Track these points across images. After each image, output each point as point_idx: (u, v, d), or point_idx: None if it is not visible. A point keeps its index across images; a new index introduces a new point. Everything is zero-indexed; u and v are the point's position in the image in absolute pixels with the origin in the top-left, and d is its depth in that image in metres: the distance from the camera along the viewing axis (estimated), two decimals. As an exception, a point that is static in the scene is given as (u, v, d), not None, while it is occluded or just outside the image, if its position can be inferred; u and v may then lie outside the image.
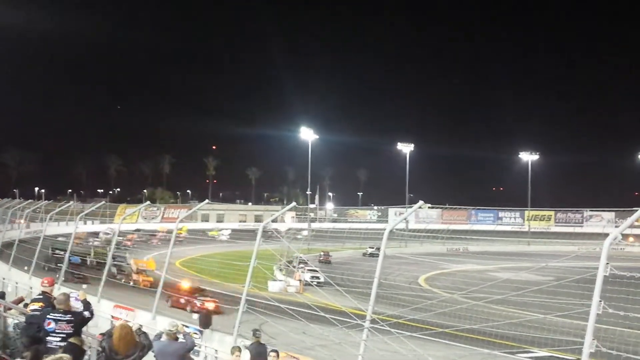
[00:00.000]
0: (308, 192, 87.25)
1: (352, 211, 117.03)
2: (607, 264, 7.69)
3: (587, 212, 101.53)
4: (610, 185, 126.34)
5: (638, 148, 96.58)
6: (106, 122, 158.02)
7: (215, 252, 45.45)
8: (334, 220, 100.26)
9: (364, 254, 49.55)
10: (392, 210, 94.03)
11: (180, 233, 50.70)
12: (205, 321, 15.05)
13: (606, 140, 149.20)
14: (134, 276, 34.37)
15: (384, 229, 11.22)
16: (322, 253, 47.26)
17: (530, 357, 14.95)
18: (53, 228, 42.97)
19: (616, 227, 8.40)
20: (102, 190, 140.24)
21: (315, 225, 72.34)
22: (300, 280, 34.24)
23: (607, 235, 7.98)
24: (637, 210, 8.48)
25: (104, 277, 21.00)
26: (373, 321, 10.91)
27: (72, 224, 29.20)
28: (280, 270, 36.77)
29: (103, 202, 46.34)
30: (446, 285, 32.85)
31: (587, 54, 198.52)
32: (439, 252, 53.74)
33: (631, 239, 57.70)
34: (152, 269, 35.46)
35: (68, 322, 8.43)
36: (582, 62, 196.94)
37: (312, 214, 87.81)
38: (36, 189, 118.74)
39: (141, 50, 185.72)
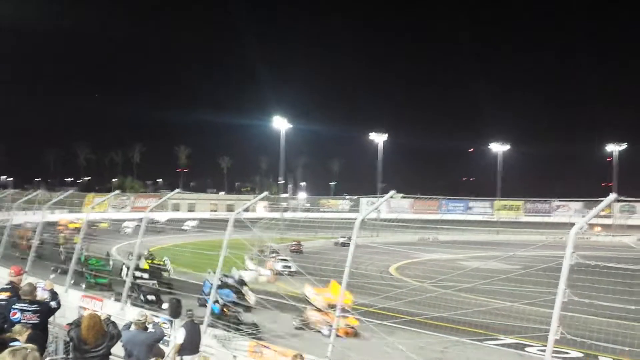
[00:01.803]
0: (280, 182, 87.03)
1: (325, 201, 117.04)
2: (573, 252, 7.80)
3: (555, 202, 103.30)
4: (578, 176, 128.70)
5: (606, 139, 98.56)
6: (75, 110, 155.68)
7: (187, 241, 45.10)
8: (307, 210, 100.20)
9: (336, 244, 49.56)
10: (364, 200, 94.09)
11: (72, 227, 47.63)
12: (175, 310, 14.92)
13: (575, 132, 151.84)
14: (315, 316, 17.84)
15: (356, 219, 11.24)
16: (293, 242, 47.17)
17: (497, 344, 15.18)
18: (20, 217, 42.14)
19: (583, 217, 8.53)
20: (71, 179, 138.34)
21: (287, 215, 72.11)
22: (271, 270, 34.16)
23: (573, 224, 8.10)
24: (602, 201, 8.64)
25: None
26: (344, 310, 10.96)
27: (40, 213, 28.30)
28: (252, 259, 36.68)
29: (71, 190, 45.30)
30: (417, 274, 33.07)
31: (558, 46, 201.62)
32: (410, 242, 54.02)
33: (597, 228, 58.76)
34: (348, 303, 15.84)
35: (34, 312, 8.33)
36: (553, 55, 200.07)
37: (284, 204, 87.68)
38: (3, 177, 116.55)
39: (111, 38, 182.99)
